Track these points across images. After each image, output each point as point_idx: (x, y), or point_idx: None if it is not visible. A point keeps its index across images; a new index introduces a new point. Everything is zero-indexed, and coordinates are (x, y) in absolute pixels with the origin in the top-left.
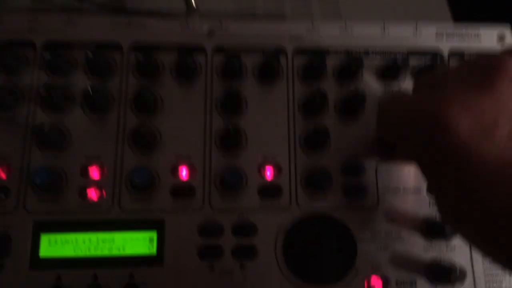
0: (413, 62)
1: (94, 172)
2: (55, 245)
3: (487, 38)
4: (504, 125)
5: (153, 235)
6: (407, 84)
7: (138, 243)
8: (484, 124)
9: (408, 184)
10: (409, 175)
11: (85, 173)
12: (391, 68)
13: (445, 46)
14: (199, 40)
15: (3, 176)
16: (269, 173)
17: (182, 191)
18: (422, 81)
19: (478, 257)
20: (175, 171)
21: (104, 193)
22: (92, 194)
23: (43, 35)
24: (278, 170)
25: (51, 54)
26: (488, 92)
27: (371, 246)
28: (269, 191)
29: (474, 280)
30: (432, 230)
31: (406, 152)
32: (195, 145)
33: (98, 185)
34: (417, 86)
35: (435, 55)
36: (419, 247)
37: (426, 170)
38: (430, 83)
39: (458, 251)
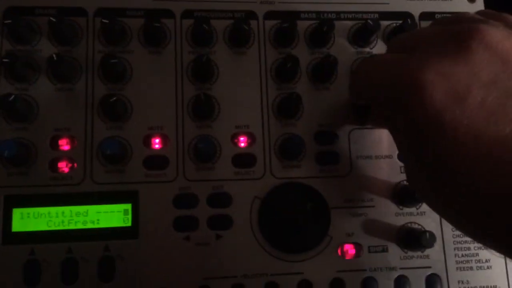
0: (385, 25)
1: (64, 144)
2: (28, 219)
3: (458, 0)
4: (476, 94)
5: (128, 207)
6: (378, 48)
7: (112, 215)
8: (457, 91)
9: (380, 152)
10: (381, 143)
11: (55, 145)
12: (363, 32)
13: (416, 9)
14: (167, 4)
15: None
16: (242, 142)
17: (155, 162)
18: (397, 42)
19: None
20: (147, 142)
21: (75, 165)
22: (63, 166)
23: (4, 0)
24: (251, 138)
25: (13, 20)
26: (462, 59)
27: (344, 213)
28: (243, 160)
29: (444, 244)
30: (403, 197)
31: (378, 117)
32: (167, 114)
33: (69, 157)
34: (391, 47)
35: (406, 18)
36: (390, 214)
37: (397, 136)
38: (404, 45)
39: (428, 215)
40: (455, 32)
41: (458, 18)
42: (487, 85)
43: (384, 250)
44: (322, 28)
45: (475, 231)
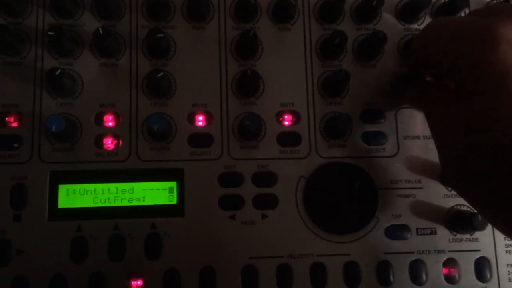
0: (433, 1)
1: (109, 120)
2: (74, 196)
3: None
4: None
5: (173, 185)
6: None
7: (158, 193)
8: None
9: (428, 131)
10: None
11: (100, 121)
12: (411, 7)
13: None
14: None
15: (15, 124)
16: (287, 120)
17: (200, 139)
18: (478, 10)
19: None
20: (191, 119)
21: (120, 142)
22: (109, 143)
23: None
24: (296, 117)
25: None
26: None
27: (391, 194)
28: (288, 139)
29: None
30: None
31: (421, 92)
32: (211, 91)
33: (114, 133)
34: (471, 13)
35: None
36: (439, 195)
37: (442, 111)
38: (486, 10)
39: None
40: None
41: None
42: None
43: (433, 232)
44: (371, 3)
45: None
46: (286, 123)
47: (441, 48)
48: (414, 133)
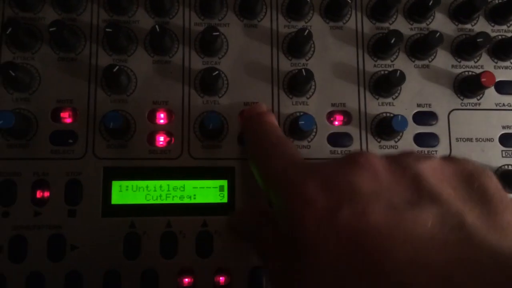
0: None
1: (162, 118)
2: (126, 192)
3: None
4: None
5: (224, 183)
6: (480, 25)
7: (208, 191)
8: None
9: (481, 134)
10: (483, 125)
11: (152, 118)
12: (466, 7)
13: None
14: None
15: (69, 120)
16: (338, 121)
17: None
18: None
19: None
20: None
21: (173, 139)
22: (161, 140)
23: None
24: (347, 117)
25: None
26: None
27: None
28: (339, 139)
29: None
30: (504, 181)
31: None
32: (263, 89)
33: (166, 130)
34: None
35: None
36: None
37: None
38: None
39: None
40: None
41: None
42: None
43: None
44: (428, 2)
45: None
46: (337, 123)
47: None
48: (466, 136)
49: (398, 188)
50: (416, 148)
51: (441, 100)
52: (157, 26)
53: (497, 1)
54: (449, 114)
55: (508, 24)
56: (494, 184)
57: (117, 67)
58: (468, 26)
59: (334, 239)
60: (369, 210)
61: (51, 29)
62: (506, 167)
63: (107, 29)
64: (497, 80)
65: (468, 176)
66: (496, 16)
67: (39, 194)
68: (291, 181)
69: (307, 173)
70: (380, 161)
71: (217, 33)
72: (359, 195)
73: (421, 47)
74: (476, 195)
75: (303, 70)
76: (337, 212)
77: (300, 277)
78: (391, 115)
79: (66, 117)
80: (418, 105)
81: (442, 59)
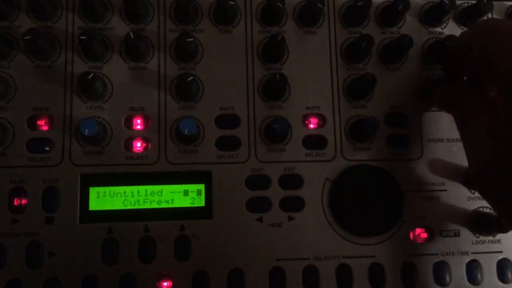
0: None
1: (139, 124)
2: (104, 198)
3: None
4: None
5: (201, 187)
6: (450, 29)
7: (186, 196)
8: None
9: (452, 135)
10: (453, 126)
11: (129, 124)
12: (435, 11)
13: None
14: None
15: (45, 127)
16: (313, 123)
17: (228, 142)
18: None
19: None
20: (219, 122)
21: (149, 145)
22: (138, 146)
23: None
24: (322, 120)
25: None
26: None
27: (416, 197)
28: (314, 142)
29: None
30: (476, 181)
31: (452, 97)
32: (238, 95)
33: (143, 136)
34: None
35: None
36: (462, 198)
37: (481, 119)
38: None
39: None
40: None
41: None
42: None
43: (456, 234)
44: (397, 7)
45: None
46: (312, 126)
47: (491, 50)
48: (437, 136)
49: None
50: (389, 149)
51: (412, 102)
52: (131, 33)
53: (466, 4)
54: (420, 115)
55: None
56: None
57: (92, 74)
58: (438, 29)
59: None
60: None
61: (25, 37)
62: None
63: (82, 37)
64: None
65: None
66: (465, 19)
67: (16, 201)
68: None
69: None
70: None
71: (191, 39)
72: None
73: (392, 51)
74: None
75: (277, 74)
76: None
77: None
78: (364, 117)
79: (43, 124)
80: (391, 107)
81: (414, 63)
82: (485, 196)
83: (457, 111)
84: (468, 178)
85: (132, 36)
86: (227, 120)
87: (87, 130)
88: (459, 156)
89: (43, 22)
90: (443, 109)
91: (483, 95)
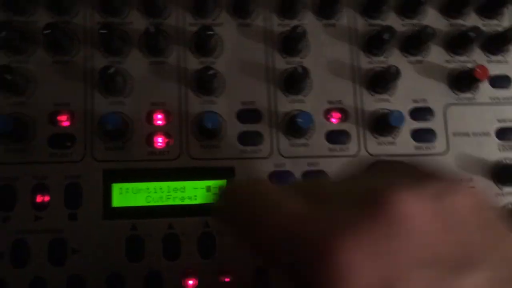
0: None
1: (160, 119)
2: (127, 195)
3: None
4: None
5: (224, 183)
6: (471, 21)
7: (209, 191)
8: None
9: (478, 128)
10: (479, 119)
11: (151, 119)
12: (457, 2)
13: None
14: None
15: (67, 123)
16: (335, 118)
17: (250, 137)
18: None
19: None
20: (240, 117)
21: (171, 140)
22: (160, 141)
23: None
24: (344, 115)
25: None
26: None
27: None
28: (337, 136)
29: None
30: (502, 176)
31: None
32: (259, 88)
33: (165, 132)
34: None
35: None
36: (490, 194)
37: None
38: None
39: None
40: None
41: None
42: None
43: None
44: None
45: None
46: (334, 120)
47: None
48: (463, 130)
49: (445, 249)
50: (413, 143)
51: (437, 95)
52: (151, 26)
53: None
54: (445, 109)
55: (499, 18)
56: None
57: (113, 68)
58: (460, 21)
59: None
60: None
61: (45, 32)
62: (504, 161)
63: (101, 31)
64: (490, 74)
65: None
66: (486, 10)
67: (39, 198)
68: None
69: (346, 237)
70: (423, 209)
71: (212, 32)
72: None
73: (414, 43)
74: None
75: (299, 67)
76: None
77: None
78: (388, 111)
79: (64, 120)
80: (414, 101)
81: (435, 54)
82: None
83: None
84: None
85: (152, 30)
86: (248, 115)
87: (109, 125)
88: (485, 150)
89: (61, 17)
90: None
91: None
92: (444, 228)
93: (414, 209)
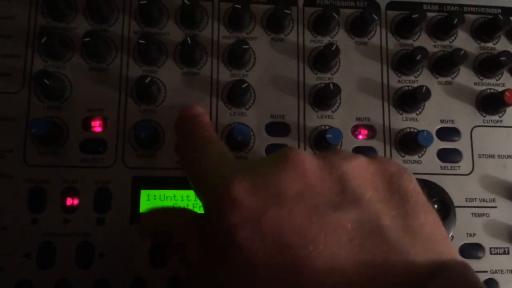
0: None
1: None
2: (154, 201)
3: None
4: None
5: None
6: (502, 44)
7: None
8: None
9: (503, 151)
10: (505, 141)
11: None
12: (488, 26)
13: None
14: None
15: (100, 129)
16: (362, 135)
17: (277, 149)
18: None
19: None
20: (269, 129)
21: None
22: None
23: None
24: (372, 132)
25: (143, 1)
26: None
27: (466, 213)
28: (363, 153)
29: None
30: None
31: None
32: (289, 103)
33: None
34: None
35: None
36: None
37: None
38: None
39: None
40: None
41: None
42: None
43: (506, 252)
44: (452, 20)
45: None
46: (361, 137)
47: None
48: (489, 152)
49: (323, 189)
50: (439, 163)
51: (464, 116)
52: (189, 39)
53: None
54: (471, 130)
55: None
56: (413, 186)
57: (149, 78)
58: (490, 44)
59: (259, 244)
60: (294, 213)
61: (85, 39)
62: None
63: (140, 41)
64: None
65: (389, 176)
66: None
67: (68, 201)
68: (219, 182)
69: (237, 172)
70: (310, 159)
71: (247, 46)
72: (285, 197)
73: (444, 64)
74: (395, 196)
75: (330, 84)
76: (263, 215)
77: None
78: (415, 130)
79: (97, 126)
80: (442, 121)
81: (465, 77)
82: None
83: None
84: None
85: (190, 42)
86: (277, 128)
87: (143, 133)
88: (510, 173)
89: (99, 25)
90: None
91: None
92: (328, 177)
93: (306, 159)
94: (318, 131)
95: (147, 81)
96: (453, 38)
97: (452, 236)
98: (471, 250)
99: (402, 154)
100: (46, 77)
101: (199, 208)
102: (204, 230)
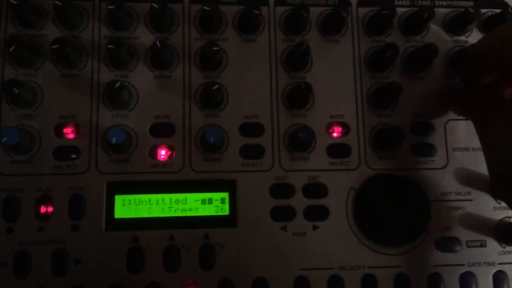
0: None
1: (164, 132)
2: (129, 206)
3: None
4: None
5: (225, 196)
6: (474, 37)
7: (210, 204)
8: None
9: (477, 143)
10: None
11: (154, 132)
12: (460, 20)
13: None
14: None
15: (72, 135)
16: (336, 132)
17: (252, 150)
18: None
19: None
20: (243, 130)
21: (174, 153)
22: (163, 154)
23: None
24: (346, 129)
25: (111, 6)
26: None
27: (441, 207)
28: (338, 150)
29: None
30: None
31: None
32: (262, 103)
33: (168, 144)
34: None
35: (504, 6)
36: (488, 208)
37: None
38: None
39: None
40: None
41: None
42: None
43: (483, 245)
44: (422, 15)
45: None
46: (336, 134)
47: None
48: (463, 145)
49: None
50: (414, 158)
51: (437, 111)
52: (158, 42)
53: (490, 13)
54: (445, 124)
55: None
56: None
57: (119, 82)
58: (463, 38)
59: None
60: None
61: (54, 46)
62: None
63: (109, 46)
64: None
65: None
66: (489, 27)
67: (43, 209)
68: None
69: None
70: None
71: (217, 48)
72: None
73: (417, 60)
74: None
75: (302, 83)
76: None
77: None
78: (389, 126)
79: (69, 132)
80: (415, 116)
81: (438, 71)
82: (509, 202)
83: (477, 116)
84: (494, 187)
85: (159, 45)
86: (251, 128)
87: (114, 138)
88: (484, 166)
89: (69, 31)
90: (462, 115)
91: (503, 100)
92: None
93: None
94: (292, 130)
95: (117, 85)
96: (425, 32)
97: (428, 230)
98: (448, 243)
99: (377, 151)
100: (16, 86)
101: (174, 212)
102: None
